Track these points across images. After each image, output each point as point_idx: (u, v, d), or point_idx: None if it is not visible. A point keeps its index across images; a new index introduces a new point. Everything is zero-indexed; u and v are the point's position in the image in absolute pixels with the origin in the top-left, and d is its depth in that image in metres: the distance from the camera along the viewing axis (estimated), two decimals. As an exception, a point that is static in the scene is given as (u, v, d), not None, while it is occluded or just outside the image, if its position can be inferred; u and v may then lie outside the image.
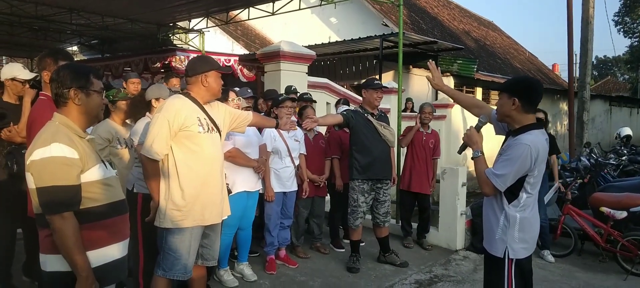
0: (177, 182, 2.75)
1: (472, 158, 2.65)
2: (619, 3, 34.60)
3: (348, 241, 4.99)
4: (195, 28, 10.65)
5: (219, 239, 3.09)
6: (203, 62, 2.91)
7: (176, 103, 2.77)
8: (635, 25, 34.94)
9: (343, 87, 9.21)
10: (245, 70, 11.00)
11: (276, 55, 6.66)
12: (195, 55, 9.97)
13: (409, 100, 10.88)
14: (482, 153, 2.66)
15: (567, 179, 6.04)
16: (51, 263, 1.95)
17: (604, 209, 5.00)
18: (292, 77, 6.71)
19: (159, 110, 2.79)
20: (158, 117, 2.74)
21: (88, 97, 2.03)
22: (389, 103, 9.71)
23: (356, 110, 4.61)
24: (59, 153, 1.88)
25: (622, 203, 5.03)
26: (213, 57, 9.55)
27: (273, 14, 8.28)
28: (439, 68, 11.93)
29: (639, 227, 4.97)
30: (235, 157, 3.78)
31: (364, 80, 10.30)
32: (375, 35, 10.54)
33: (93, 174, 1.98)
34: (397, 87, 9.52)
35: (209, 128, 2.84)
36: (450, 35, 18.54)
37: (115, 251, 2.06)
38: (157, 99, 3.54)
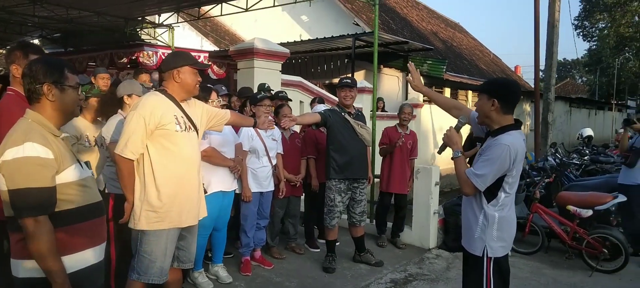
0: (153, 182, 2.65)
1: (452, 158, 2.70)
2: (579, 8, 36.03)
3: (323, 241, 4.97)
4: (164, 23, 10.36)
5: (195, 241, 3.00)
6: (176, 57, 2.83)
7: (152, 100, 2.68)
8: (593, 29, 36.44)
9: (316, 85, 9.18)
10: (215, 67, 10.84)
11: (250, 53, 6.57)
12: (164, 50, 9.76)
13: (379, 99, 10.96)
14: (462, 153, 2.70)
15: (535, 178, 6.22)
16: (24, 269, 1.85)
17: (571, 208, 5.16)
18: (265, 74, 6.64)
19: (134, 108, 2.68)
20: (133, 115, 2.63)
21: (62, 92, 1.92)
22: (361, 102, 9.77)
23: (333, 109, 4.59)
24: (33, 154, 1.77)
25: (587, 202, 5.21)
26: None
27: (247, 10, 8.16)
28: (418, 70, 12.11)
29: (603, 225, 5.16)
30: (211, 157, 3.69)
31: (337, 79, 10.32)
32: (348, 34, 10.56)
33: (69, 175, 1.88)
34: (369, 86, 9.62)
35: (186, 127, 2.75)
36: (419, 36, 18.81)
37: (91, 256, 1.97)
38: (129, 96, 3.44)
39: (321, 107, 5.33)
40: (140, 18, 10.08)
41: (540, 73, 9.99)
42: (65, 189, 1.87)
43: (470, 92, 14.70)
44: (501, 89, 2.63)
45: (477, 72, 20.78)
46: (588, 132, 9.42)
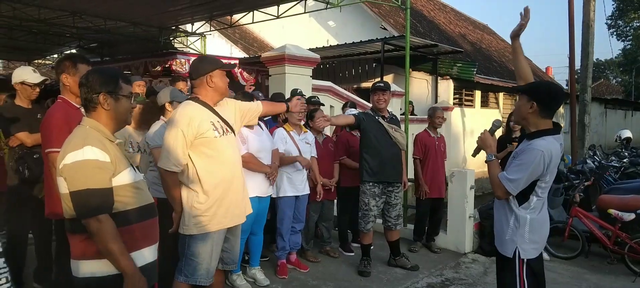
0: (200, 188, 2.72)
1: (486, 161, 2.69)
2: (612, 7, 34.97)
3: (358, 245, 4.98)
4: (197, 32, 10.59)
5: (239, 243, 3.07)
6: (205, 62, 2.85)
7: (188, 111, 2.71)
8: (627, 28, 35.35)
9: (346, 90, 9.20)
10: (245, 74, 11.01)
11: (281, 59, 6.64)
12: (198, 57, 9.95)
13: (409, 103, 10.90)
14: (496, 156, 2.68)
15: (574, 181, 6.07)
16: (84, 267, 1.93)
17: (612, 211, 5.03)
18: (296, 80, 6.69)
19: (171, 121, 2.74)
20: (171, 128, 2.68)
21: (117, 101, 2.02)
22: (391, 106, 9.73)
23: (367, 112, 4.61)
24: (92, 157, 1.87)
25: (629, 205, 5.07)
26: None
27: (278, 17, 8.27)
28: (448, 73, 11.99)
29: (645, 230, 5.00)
30: (248, 163, 3.71)
31: (366, 84, 10.23)
32: (377, 38, 10.55)
33: (124, 178, 1.98)
34: (399, 90, 9.59)
35: (224, 130, 2.80)
36: (447, 39, 18.61)
37: (147, 254, 2.05)
38: (170, 103, 3.52)
39: (354, 111, 5.35)
40: (173, 27, 10.34)
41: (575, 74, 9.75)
42: (120, 191, 1.95)
43: (501, 94, 14.43)
44: (543, 92, 2.58)
45: (508, 74, 20.37)
46: (626, 133, 9.13)
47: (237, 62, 10.31)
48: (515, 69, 2.96)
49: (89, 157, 1.87)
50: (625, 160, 8.02)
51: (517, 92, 2.73)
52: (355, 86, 13.37)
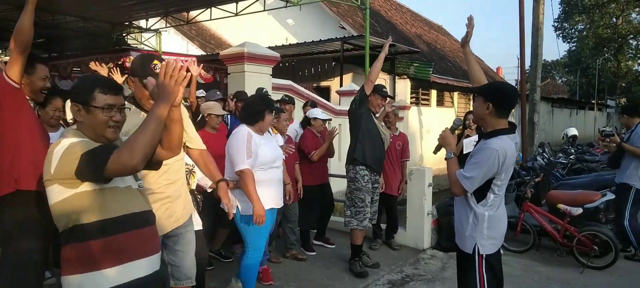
0: None
1: (446, 159, 2.76)
2: (559, 10, 36.76)
3: (320, 243, 4.99)
4: (151, 28, 10.28)
5: (191, 254, 2.80)
6: (145, 61, 2.53)
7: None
8: (573, 30, 37.24)
9: (306, 89, 9.20)
10: (202, 72, 10.80)
11: (241, 57, 6.56)
12: (139, 55, 9.66)
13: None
14: (455, 154, 2.76)
15: (525, 178, 6.32)
16: (88, 283, 1.80)
17: (561, 206, 5.26)
18: (256, 78, 6.63)
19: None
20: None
21: (88, 113, 1.88)
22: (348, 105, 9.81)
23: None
24: (74, 140, 1.81)
25: (577, 200, 5.31)
26: (171, 58, 9.30)
27: (236, 14, 8.15)
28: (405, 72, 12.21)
29: (592, 223, 5.27)
30: (244, 181, 3.30)
31: (325, 82, 10.19)
32: (336, 37, 10.62)
33: (114, 182, 1.82)
34: (357, 89, 9.67)
35: None
36: (404, 39, 18.98)
37: (144, 266, 1.91)
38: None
39: (317, 111, 5.33)
40: (127, 23, 9.99)
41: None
42: (110, 195, 1.83)
43: (456, 93, 14.88)
44: (498, 93, 2.68)
45: (462, 74, 21.03)
46: (573, 131, 9.62)
47: (194, 60, 10.07)
48: (469, 73, 3.11)
49: (72, 140, 1.79)
50: (572, 157, 8.44)
51: (474, 94, 2.81)
52: (314, 85, 13.41)
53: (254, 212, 3.25)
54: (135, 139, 1.67)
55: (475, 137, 4.51)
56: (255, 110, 3.45)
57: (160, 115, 1.70)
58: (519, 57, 9.03)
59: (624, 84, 36.88)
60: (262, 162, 3.40)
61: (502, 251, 5.02)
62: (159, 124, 1.71)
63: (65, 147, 1.76)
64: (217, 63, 8.54)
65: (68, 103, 4.55)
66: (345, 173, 4.73)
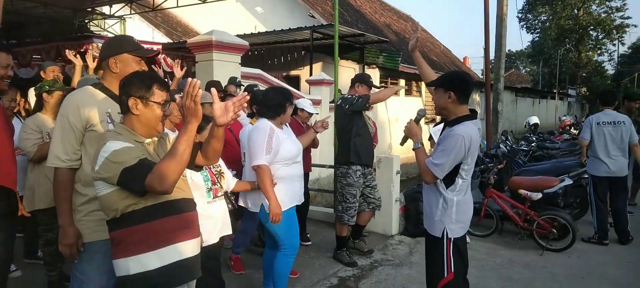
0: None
1: (414, 149, 2.84)
2: (523, 1, 37.72)
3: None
4: (115, 14, 9.99)
5: None
6: (114, 43, 2.47)
7: (77, 97, 2.33)
8: (536, 22, 38.31)
9: (276, 77, 9.17)
10: (168, 59, 10.58)
11: (209, 45, 6.47)
12: (109, 38, 9.42)
13: (338, 91, 11.10)
14: (422, 144, 2.84)
15: (488, 165, 6.51)
16: (134, 265, 1.92)
17: (522, 191, 5.46)
18: (225, 67, 6.56)
19: (60, 108, 2.38)
20: (58, 118, 2.33)
21: (147, 107, 2.01)
22: (320, 94, 9.85)
23: (347, 98, 4.65)
24: (118, 146, 1.89)
25: (537, 185, 5.53)
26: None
27: (204, 2, 8.00)
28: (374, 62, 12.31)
29: (552, 207, 5.50)
30: (260, 177, 3.16)
31: (295, 71, 10.13)
32: (306, 26, 10.59)
33: None
34: (327, 78, 9.71)
35: None
36: (373, 28, 19.08)
37: (187, 248, 2.02)
38: None
39: (306, 103, 5.18)
40: (89, 9, 9.67)
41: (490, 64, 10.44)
42: None
43: (423, 83, 15.16)
44: (456, 81, 2.78)
45: (429, 64, 21.27)
46: (534, 120, 9.94)
47: (159, 48, 9.85)
48: (421, 74, 3.25)
49: (116, 148, 1.87)
50: (533, 144, 8.74)
51: (432, 87, 2.87)
52: (284, 74, 13.36)
53: (270, 209, 3.14)
54: (167, 166, 1.80)
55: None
56: (276, 104, 3.29)
57: (190, 135, 1.84)
58: (484, 47, 9.24)
59: (584, 74, 38.28)
60: (285, 157, 3.27)
61: (468, 238, 5.21)
62: (189, 144, 1.84)
63: (109, 152, 1.85)
64: (184, 51, 8.38)
65: (31, 92, 4.41)
66: (322, 163, 4.79)
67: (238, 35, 10.36)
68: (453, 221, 2.77)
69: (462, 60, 30.84)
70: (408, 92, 14.44)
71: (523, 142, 8.84)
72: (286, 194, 3.27)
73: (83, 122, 2.28)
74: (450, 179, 2.74)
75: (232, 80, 5.65)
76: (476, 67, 34.36)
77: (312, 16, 14.41)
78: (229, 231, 3.07)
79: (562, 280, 4.46)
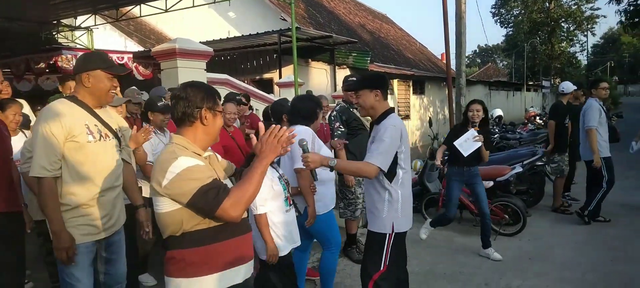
0: (66, 198, 2.46)
1: (334, 169, 2.78)
2: (495, -4, 38.42)
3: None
4: (82, 25, 10.05)
5: (122, 261, 2.81)
6: (87, 59, 2.58)
7: (57, 109, 2.43)
8: (509, 16, 39.02)
9: (244, 82, 9.34)
10: (141, 68, 10.68)
11: (172, 53, 6.62)
12: (84, 53, 9.50)
13: (308, 92, 11.32)
14: (336, 157, 2.98)
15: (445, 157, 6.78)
16: (187, 285, 1.90)
17: (475, 180, 5.73)
18: (189, 74, 6.70)
19: (37, 120, 2.47)
20: (38, 127, 2.40)
21: (215, 117, 1.98)
22: (289, 96, 10.04)
23: (344, 107, 4.92)
24: (191, 163, 1.85)
25: (490, 174, 5.80)
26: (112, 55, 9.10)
27: (166, 11, 8.14)
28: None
29: (504, 194, 5.78)
30: (303, 179, 3.24)
31: (267, 75, 10.24)
32: (273, 30, 10.77)
33: None
34: (299, 81, 9.92)
35: (101, 135, 2.55)
36: (346, 29, 19.34)
37: (239, 273, 2.00)
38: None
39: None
40: (55, 22, 9.72)
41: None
42: None
43: (396, 81, 15.38)
44: (378, 80, 2.94)
45: (404, 61, 21.68)
46: (498, 112, 10.29)
47: (130, 56, 9.95)
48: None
49: (187, 164, 1.83)
50: (496, 135, 9.07)
51: (354, 91, 3.08)
52: (257, 77, 13.52)
53: (309, 212, 3.24)
54: (242, 194, 1.82)
55: (471, 132, 4.54)
56: (308, 111, 3.43)
57: (265, 169, 1.89)
58: (444, 44, 9.55)
59: (558, 65, 39.13)
60: None
61: (424, 234, 5.34)
62: (263, 176, 1.88)
63: (181, 169, 1.81)
64: (155, 59, 8.51)
65: (26, 105, 4.42)
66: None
67: (208, 41, 10.53)
68: (399, 216, 2.85)
69: (439, 56, 31.33)
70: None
71: (486, 134, 9.15)
72: (327, 196, 3.46)
73: (64, 132, 2.39)
74: (391, 172, 2.81)
75: (231, 97, 5.56)
76: (453, 63, 34.84)
77: (284, 19, 14.59)
78: (299, 242, 3.07)
79: (509, 262, 4.73)
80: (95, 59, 2.57)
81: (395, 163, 2.82)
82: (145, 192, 3.61)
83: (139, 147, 3.44)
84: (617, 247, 5.06)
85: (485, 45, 59.53)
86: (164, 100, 4.27)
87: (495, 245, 5.22)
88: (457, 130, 4.84)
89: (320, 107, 3.55)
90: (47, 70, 9.46)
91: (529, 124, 11.20)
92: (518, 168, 5.84)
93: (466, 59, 11.87)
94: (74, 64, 2.76)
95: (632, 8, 13.30)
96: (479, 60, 63.64)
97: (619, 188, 7.52)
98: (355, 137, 4.81)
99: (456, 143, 4.57)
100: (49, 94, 7.13)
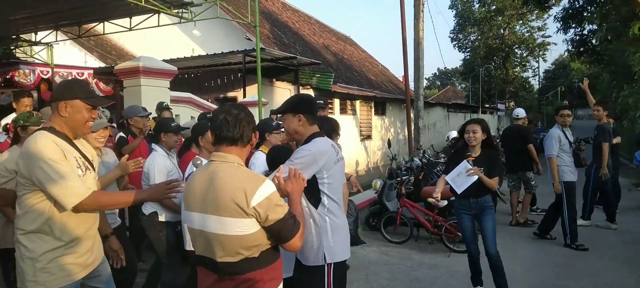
0: (50, 234, 2.31)
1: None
2: (453, 22, 40.10)
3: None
4: (43, 41, 9.88)
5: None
6: (67, 88, 2.39)
7: (50, 139, 2.26)
8: (466, 41, 40.67)
9: (207, 100, 9.39)
10: (101, 84, 10.56)
11: (136, 71, 6.66)
12: (42, 68, 9.31)
13: (273, 112, 11.47)
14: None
15: (403, 177, 7.06)
16: None
17: (431, 200, 5.98)
18: (153, 92, 6.75)
19: (36, 154, 2.21)
20: (48, 164, 2.20)
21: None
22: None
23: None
24: (273, 188, 1.98)
25: (444, 194, 6.07)
26: (63, 71, 8.96)
27: (131, 29, 8.14)
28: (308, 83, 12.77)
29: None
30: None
31: (231, 93, 10.24)
32: (237, 50, 10.90)
33: None
34: (263, 100, 10.06)
35: (85, 168, 2.40)
36: (311, 50, 19.68)
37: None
38: None
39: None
40: (14, 36, 9.52)
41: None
42: None
43: (358, 101, 15.76)
44: (302, 103, 2.70)
45: (367, 83, 22.18)
46: (454, 134, 10.70)
47: (90, 73, 9.83)
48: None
49: (274, 188, 1.93)
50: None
51: (276, 114, 2.88)
52: (221, 96, 13.56)
53: None
54: (304, 229, 2.02)
55: (464, 165, 4.08)
56: (329, 129, 3.57)
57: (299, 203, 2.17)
58: (404, 68, 9.94)
59: (512, 89, 40.95)
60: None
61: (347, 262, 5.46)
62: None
63: (271, 193, 1.90)
64: (116, 75, 8.46)
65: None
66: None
67: (172, 59, 10.54)
68: (331, 243, 2.57)
69: (401, 78, 32.17)
70: (343, 111, 15.00)
71: (443, 155, 9.55)
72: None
73: (70, 164, 2.27)
74: (315, 198, 2.57)
75: (160, 106, 5.80)
76: (412, 85, 35.85)
77: (249, 39, 14.74)
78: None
79: (460, 277, 4.98)
80: (75, 88, 2.39)
81: (316, 188, 2.57)
82: (162, 216, 3.69)
83: (124, 175, 3.38)
84: (562, 264, 5.41)
85: (445, 68, 61.59)
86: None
87: (448, 262, 5.49)
88: (456, 156, 4.34)
89: (337, 132, 3.85)
90: (3, 85, 9.21)
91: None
92: (470, 188, 6.15)
93: (426, 81, 12.37)
94: (54, 89, 2.51)
95: (577, 38, 14.26)
96: (438, 83, 65.73)
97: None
98: None
99: (448, 178, 4.18)
100: (3, 109, 6.96)
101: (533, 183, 7.34)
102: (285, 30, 19.81)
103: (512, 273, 5.09)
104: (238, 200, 1.83)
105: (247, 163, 3.45)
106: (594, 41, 13.52)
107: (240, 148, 2.01)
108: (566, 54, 16.74)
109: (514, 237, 6.50)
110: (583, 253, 5.76)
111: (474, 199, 4.21)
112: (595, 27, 13.03)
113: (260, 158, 3.83)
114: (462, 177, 4.04)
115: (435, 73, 67.80)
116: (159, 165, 3.69)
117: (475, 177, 3.98)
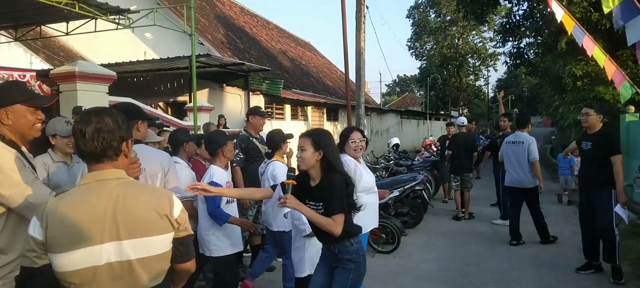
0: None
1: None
2: (410, 31, 41.22)
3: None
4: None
5: None
6: (4, 93, 2.20)
7: (8, 151, 2.12)
8: (422, 50, 41.86)
9: (151, 105, 9.44)
10: (44, 87, 10.40)
11: (72, 76, 6.67)
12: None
13: (221, 116, 11.57)
14: (233, 179, 3.15)
15: (338, 182, 7.38)
16: None
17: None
18: (90, 97, 6.77)
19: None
20: (13, 172, 2.07)
21: None
22: (200, 120, 10.29)
23: (244, 136, 5.22)
24: None
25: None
26: (3, 72, 8.80)
27: (67, 34, 8.13)
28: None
29: (384, 215, 6.43)
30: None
31: (181, 98, 10.35)
32: (184, 55, 10.99)
33: None
34: (207, 105, 10.21)
35: (34, 177, 2.23)
36: (267, 55, 19.87)
37: None
38: (53, 136, 3.08)
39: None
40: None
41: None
42: None
43: (310, 107, 16.08)
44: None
45: (324, 89, 22.57)
46: (395, 141, 11.20)
47: (33, 75, 9.69)
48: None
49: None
50: (391, 162, 9.90)
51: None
52: (171, 100, 13.57)
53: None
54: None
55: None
56: (343, 137, 3.85)
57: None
58: (345, 78, 10.30)
59: (466, 97, 42.43)
60: (366, 187, 3.71)
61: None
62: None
63: (181, 205, 1.81)
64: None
65: None
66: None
67: (120, 63, 10.51)
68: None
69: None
70: (294, 116, 15.29)
71: (383, 161, 9.96)
72: (365, 220, 3.49)
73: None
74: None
75: (77, 110, 5.81)
76: (374, 92, 36.56)
77: (202, 44, 14.81)
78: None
79: (379, 276, 5.32)
80: (12, 92, 2.20)
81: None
82: None
83: None
84: (472, 261, 5.85)
85: (404, 75, 63.08)
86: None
87: (373, 262, 5.82)
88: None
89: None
90: None
91: (425, 152, 12.24)
92: (395, 193, 6.55)
93: (386, 88, 12.73)
94: None
95: (515, 50, 15.14)
96: (398, 89, 67.18)
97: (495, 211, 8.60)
98: (252, 164, 5.23)
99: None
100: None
101: (470, 184, 8.19)
102: (241, 34, 19.91)
103: (426, 271, 5.48)
104: (163, 209, 1.64)
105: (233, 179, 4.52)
106: (529, 54, 14.39)
107: (113, 162, 1.66)
108: (505, 65, 17.65)
109: (436, 240, 6.90)
110: (492, 252, 6.22)
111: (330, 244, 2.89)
112: (531, 40, 13.89)
113: (280, 167, 4.16)
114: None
115: (395, 80, 69.32)
116: (186, 177, 3.75)
117: (286, 210, 3.28)
